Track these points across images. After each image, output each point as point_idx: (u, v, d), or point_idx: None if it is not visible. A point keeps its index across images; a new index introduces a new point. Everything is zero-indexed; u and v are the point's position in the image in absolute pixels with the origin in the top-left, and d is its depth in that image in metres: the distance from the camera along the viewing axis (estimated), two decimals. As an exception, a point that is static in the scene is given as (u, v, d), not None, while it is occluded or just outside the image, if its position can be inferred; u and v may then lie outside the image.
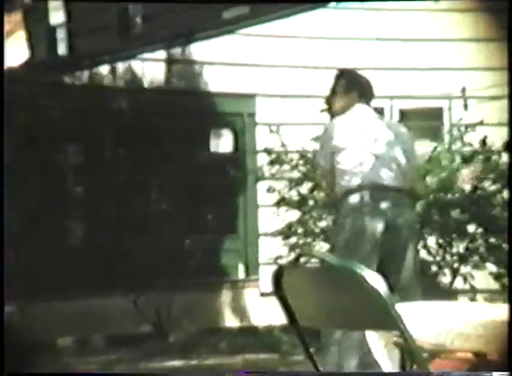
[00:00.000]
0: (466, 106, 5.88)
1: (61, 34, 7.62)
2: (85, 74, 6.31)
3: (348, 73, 3.77)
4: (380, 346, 1.94)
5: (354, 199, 3.31)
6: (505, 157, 5.65)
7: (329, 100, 3.65)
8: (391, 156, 3.41)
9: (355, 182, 3.32)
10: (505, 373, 1.74)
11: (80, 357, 5.24)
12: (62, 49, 7.64)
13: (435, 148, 5.88)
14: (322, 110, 3.79)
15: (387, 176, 3.35)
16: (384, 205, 3.30)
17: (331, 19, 6.70)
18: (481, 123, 5.73)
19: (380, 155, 3.38)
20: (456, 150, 5.83)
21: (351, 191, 3.33)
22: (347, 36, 6.70)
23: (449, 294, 5.49)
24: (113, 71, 6.31)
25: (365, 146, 3.39)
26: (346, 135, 3.42)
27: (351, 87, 3.59)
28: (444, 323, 1.89)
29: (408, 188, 3.40)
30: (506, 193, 5.58)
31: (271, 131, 5.95)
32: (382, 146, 3.41)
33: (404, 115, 6.87)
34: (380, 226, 3.29)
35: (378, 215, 3.29)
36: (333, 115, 3.61)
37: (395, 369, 1.91)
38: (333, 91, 3.62)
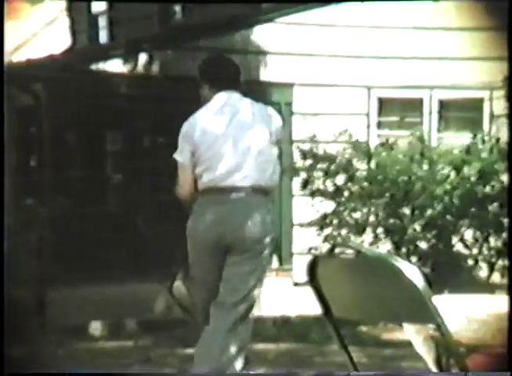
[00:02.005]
0: (506, 97, 5.76)
1: (102, 23, 7.69)
2: (126, 62, 6.36)
3: (207, 60, 3.37)
4: (419, 340, 1.93)
5: (204, 201, 3.14)
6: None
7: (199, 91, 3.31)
8: (251, 150, 3.12)
9: (209, 182, 3.12)
10: (505, 373, 1.72)
11: (115, 341, 5.32)
12: (103, 37, 7.71)
13: (474, 139, 5.79)
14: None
15: (242, 176, 3.10)
16: (233, 207, 3.10)
17: (369, 9, 6.63)
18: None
19: (241, 150, 3.11)
20: (494, 143, 5.74)
21: (204, 192, 3.15)
22: (386, 25, 6.63)
23: (486, 288, 5.42)
24: (152, 59, 6.35)
25: (223, 142, 3.12)
26: (205, 129, 3.14)
27: (204, 75, 3.24)
28: (481, 318, 1.87)
29: (264, 184, 3.13)
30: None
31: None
32: (243, 140, 3.12)
33: (443, 105, 6.77)
34: (223, 229, 3.11)
35: (223, 218, 3.11)
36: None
37: (431, 363, 1.90)
38: (199, 80, 3.28)
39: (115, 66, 6.42)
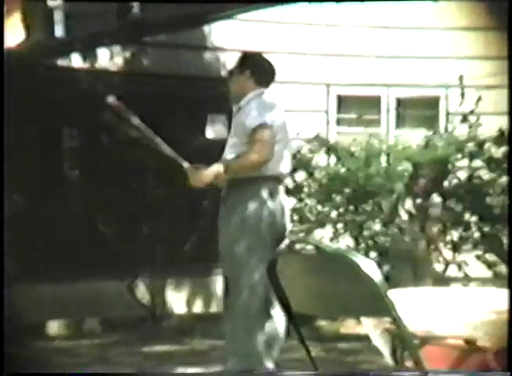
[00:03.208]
0: (463, 95, 5.89)
1: (58, 17, 7.57)
2: (82, 57, 6.28)
3: (248, 56, 3.53)
4: (376, 334, 1.96)
5: (275, 188, 3.20)
6: (501, 146, 5.68)
7: (228, 82, 3.45)
8: (285, 145, 3.32)
9: (282, 171, 3.24)
10: (505, 373, 1.76)
11: (74, 340, 5.26)
12: (58, 31, 7.59)
13: (432, 136, 5.90)
14: (224, 92, 3.51)
15: (283, 167, 3.28)
16: (277, 197, 3.23)
17: (331, 7, 6.68)
18: (472, 112, 5.77)
19: (283, 144, 3.28)
20: (450, 139, 5.85)
21: (275, 179, 3.22)
22: (346, 23, 6.68)
23: (442, 281, 5.53)
24: (110, 55, 6.28)
25: (288, 136, 3.32)
26: (279, 113, 3.31)
27: (248, 70, 3.38)
28: (435, 310, 1.91)
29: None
30: (502, 182, 5.61)
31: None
32: (283, 134, 3.31)
33: (400, 103, 6.87)
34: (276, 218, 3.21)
35: (274, 207, 3.20)
36: (233, 98, 3.43)
37: (388, 355, 1.93)
38: (231, 73, 3.45)
39: (72, 60, 6.33)
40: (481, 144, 5.70)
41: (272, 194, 3.21)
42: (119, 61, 6.26)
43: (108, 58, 6.30)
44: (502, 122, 5.60)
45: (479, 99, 5.77)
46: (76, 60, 6.31)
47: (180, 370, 4.27)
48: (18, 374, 3.17)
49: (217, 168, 3.23)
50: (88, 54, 6.30)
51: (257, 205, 3.17)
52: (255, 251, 3.13)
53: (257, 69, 3.40)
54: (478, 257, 5.68)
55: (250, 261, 3.14)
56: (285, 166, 3.30)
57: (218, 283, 6.54)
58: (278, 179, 3.25)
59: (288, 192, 5.91)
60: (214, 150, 6.78)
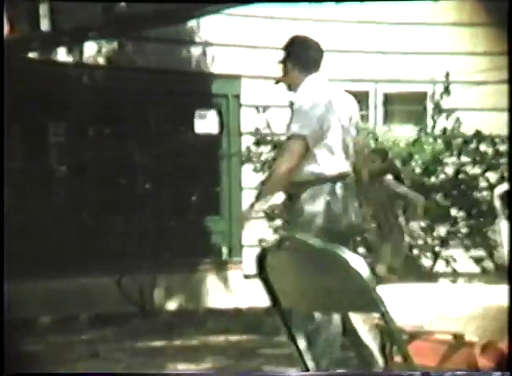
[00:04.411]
0: (448, 91, 5.93)
1: (43, 10, 7.53)
2: (68, 51, 6.25)
3: (296, 40, 3.34)
4: (365, 329, 1.98)
5: (325, 189, 3.04)
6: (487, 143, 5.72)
7: (282, 72, 3.25)
8: (348, 136, 3.13)
9: (341, 168, 3.06)
10: (505, 373, 1.77)
11: (63, 336, 5.25)
12: (44, 25, 7.55)
13: (419, 132, 5.93)
14: (277, 82, 3.34)
15: (344, 163, 3.11)
16: (344, 194, 3.08)
17: (316, 2, 6.68)
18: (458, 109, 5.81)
19: (343, 137, 3.09)
20: (438, 135, 5.89)
21: (337, 177, 3.05)
22: (332, 19, 6.69)
23: (431, 276, 5.56)
24: (96, 49, 6.25)
25: (335, 128, 3.07)
26: (329, 110, 3.09)
27: (291, 61, 3.20)
28: (423, 305, 1.92)
29: (352, 169, 3.19)
30: (488, 177, 5.65)
31: (258, 111, 5.99)
32: (343, 126, 3.10)
33: (388, 99, 6.89)
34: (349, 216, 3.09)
35: (341, 205, 3.07)
36: (289, 87, 3.26)
37: (377, 350, 1.95)
38: (283, 61, 3.24)
39: (58, 54, 6.30)
40: (468, 140, 5.75)
41: (336, 193, 3.07)
42: (105, 55, 6.23)
43: (94, 52, 6.28)
44: (488, 118, 5.63)
45: (466, 95, 5.80)
46: (62, 54, 6.28)
47: (170, 365, 4.28)
48: (18, 374, 3.16)
49: None
50: (74, 48, 6.27)
51: (321, 205, 3.05)
52: None
53: (296, 56, 3.19)
54: (466, 248, 5.72)
55: None
56: (344, 164, 3.10)
57: (207, 278, 6.54)
58: (340, 178, 3.09)
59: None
60: (203, 145, 6.80)
